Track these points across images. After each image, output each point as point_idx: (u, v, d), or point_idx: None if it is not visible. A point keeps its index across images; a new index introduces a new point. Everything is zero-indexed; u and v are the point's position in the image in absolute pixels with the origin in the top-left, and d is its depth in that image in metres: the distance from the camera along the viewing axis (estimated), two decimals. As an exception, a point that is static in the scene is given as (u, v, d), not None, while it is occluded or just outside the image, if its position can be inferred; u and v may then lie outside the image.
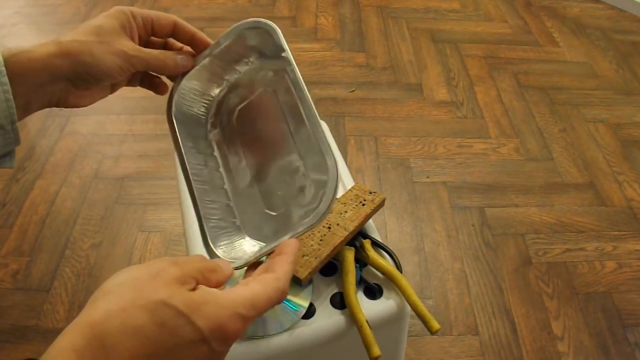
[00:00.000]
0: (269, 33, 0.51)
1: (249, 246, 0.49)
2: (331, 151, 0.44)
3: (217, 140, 0.53)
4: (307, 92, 0.47)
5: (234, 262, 0.43)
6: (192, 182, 0.49)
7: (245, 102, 0.54)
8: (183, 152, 0.50)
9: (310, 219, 0.43)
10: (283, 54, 0.49)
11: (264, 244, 0.47)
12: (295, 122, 0.50)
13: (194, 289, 0.34)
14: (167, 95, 0.53)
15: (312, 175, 0.48)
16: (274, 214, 0.49)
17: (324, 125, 0.80)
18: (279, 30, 0.50)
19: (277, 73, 0.52)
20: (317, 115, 0.46)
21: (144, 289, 0.32)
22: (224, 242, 0.47)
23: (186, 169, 0.49)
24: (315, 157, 0.48)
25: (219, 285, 0.37)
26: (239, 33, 0.52)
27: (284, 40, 0.49)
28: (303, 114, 0.48)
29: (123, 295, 0.32)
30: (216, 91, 0.55)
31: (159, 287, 0.32)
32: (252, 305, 0.34)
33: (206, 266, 0.36)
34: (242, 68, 0.54)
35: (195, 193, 0.48)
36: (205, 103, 0.54)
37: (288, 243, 0.41)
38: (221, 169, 0.52)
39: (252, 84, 0.54)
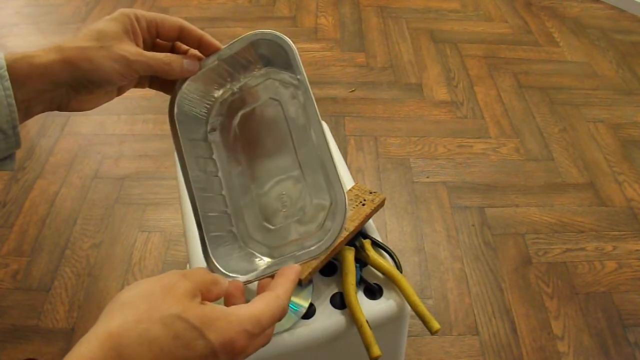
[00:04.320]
0: (283, 49, 0.50)
1: (244, 260, 0.48)
2: (341, 185, 0.45)
3: (217, 143, 0.52)
4: (320, 121, 0.48)
5: (236, 277, 0.44)
6: (194, 189, 0.48)
7: (249, 108, 0.53)
8: (185, 157, 0.49)
9: (314, 248, 0.45)
10: (299, 77, 0.49)
11: (265, 265, 0.47)
12: (302, 141, 0.50)
13: (202, 303, 0.35)
14: (169, 96, 0.53)
15: (312, 197, 0.49)
16: (272, 227, 0.49)
17: (324, 126, 0.80)
18: (296, 51, 0.49)
19: (284, 85, 0.52)
20: (330, 147, 0.46)
21: (158, 302, 0.34)
22: (221, 252, 0.47)
23: (187, 175, 0.49)
24: (317, 178, 0.49)
25: (218, 297, 0.39)
26: (252, 41, 0.51)
27: (300, 62, 0.49)
28: (314, 139, 0.48)
29: (138, 308, 0.33)
30: (219, 93, 0.54)
31: (173, 301, 0.34)
32: (257, 322, 0.36)
33: (210, 279, 0.38)
34: (248, 74, 0.53)
35: (197, 201, 0.48)
36: (207, 104, 0.54)
37: (291, 267, 0.42)
38: (220, 174, 0.51)
39: (257, 91, 0.53)
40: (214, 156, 0.52)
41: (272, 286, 0.40)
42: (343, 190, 0.45)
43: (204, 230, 0.47)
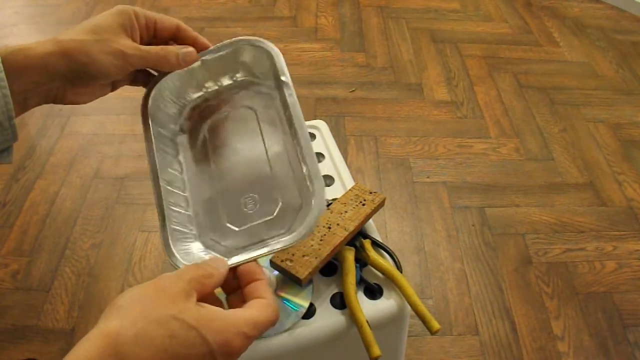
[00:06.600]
0: (267, 55, 0.51)
1: (204, 254, 0.47)
2: (321, 178, 0.45)
3: (184, 145, 0.52)
4: (302, 119, 0.48)
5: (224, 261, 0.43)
6: (160, 179, 0.48)
7: (221, 115, 0.53)
8: (154, 148, 0.50)
9: (291, 237, 0.44)
10: (283, 78, 0.50)
11: (246, 254, 0.45)
12: (275, 143, 0.50)
13: (199, 304, 0.36)
14: None
15: (281, 199, 0.48)
16: (236, 229, 0.48)
17: (324, 125, 0.80)
18: (280, 55, 0.51)
19: (260, 94, 0.53)
20: (310, 142, 0.47)
21: (153, 304, 0.34)
22: (180, 248, 0.46)
23: (155, 164, 0.49)
24: (289, 180, 0.49)
25: (214, 288, 0.39)
26: (237, 46, 0.52)
27: (285, 65, 0.50)
28: (300, 139, 0.47)
29: (134, 309, 0.34)
30: (193, 96, 0.54)
31: (167, 303, 0.34)
32: (254, 325, 0.36)
33: (202, 274, 0.38)
34: (225, 81, 0.54)
35: (162, 191, 0.47)
36: (180, 105, 0.54)
37: (255, 268, 0.42)
38: (184, 175, 0.51)
39: (231, 99, 0.54)
40: (180, 157, 0.52)
41: (255, 292, 0.40)
42: (321, 180, 0.45)
43: (166, 220, 0.46)
